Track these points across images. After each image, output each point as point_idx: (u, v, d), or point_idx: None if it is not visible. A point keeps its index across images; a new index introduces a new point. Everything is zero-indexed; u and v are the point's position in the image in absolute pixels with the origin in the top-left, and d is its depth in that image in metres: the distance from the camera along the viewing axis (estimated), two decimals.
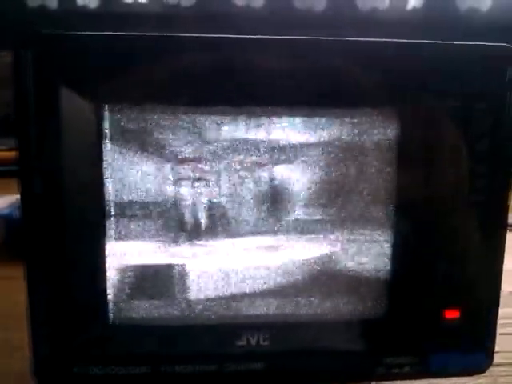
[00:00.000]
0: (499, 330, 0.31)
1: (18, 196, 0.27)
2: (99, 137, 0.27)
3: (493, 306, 0.30)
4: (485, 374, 0.31)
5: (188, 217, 0.28)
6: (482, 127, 0.28)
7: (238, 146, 0.28)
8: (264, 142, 0.28)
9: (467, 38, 0.28)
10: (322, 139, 0.28)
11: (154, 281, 0.29)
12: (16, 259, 0.29)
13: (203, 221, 0.29)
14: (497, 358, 0.31)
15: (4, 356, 0.36)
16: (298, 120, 0.28)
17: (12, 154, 0.27)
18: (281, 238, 0.29)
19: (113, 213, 0.28)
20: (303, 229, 0.29)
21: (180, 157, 0.28)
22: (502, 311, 0.31)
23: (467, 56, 0.28)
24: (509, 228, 0.30)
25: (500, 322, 0.31)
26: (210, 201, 0.28)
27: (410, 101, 0.28)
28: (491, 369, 0.31)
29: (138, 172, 0.28)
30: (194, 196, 0.28)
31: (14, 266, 0.29)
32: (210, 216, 0.28)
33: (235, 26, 0.25)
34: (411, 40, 0.27)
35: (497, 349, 0.31)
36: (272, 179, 0.29)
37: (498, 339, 0.31)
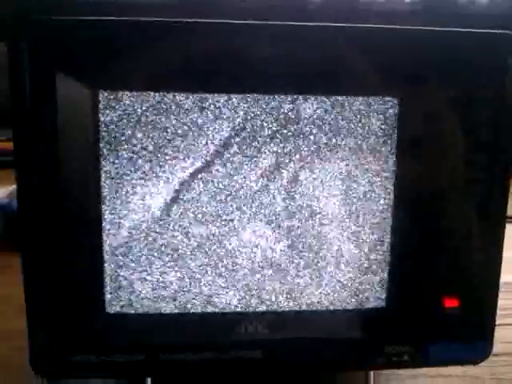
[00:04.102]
0: (498, 320, 0.31)
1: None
2: (96, 124, 0.27)
3: (492, 295, 0.30)
4: (484, 364, 0.31)
5: (186, 203, 0.28)
6: (482, 116, 0.28)
7: (237, 133, 0.28)
8: (263, 130, 0.28)
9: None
10: (320, 126, 0.28)
11: (151, 270, 0.29)
12: (15, 250, 0.29)
13: (202, 208, 0.28)
14: (496, 348, 0.31)
15: (2, 346, 0.37)
16: (298, 107, 0.28)
17: (11, 145, 0.27)
18: (279, 227, 0.29)
19: (109, 202, 0.28)
20: (301, 217, 0.29)
21: (176, 144, 0.28)
22: (501, 302, 0.31)
23: (468, 43, 0.27)
24: (508, 220, 0.30)
25: (499, 312, 0.31)
26: (206, 187, 0.28)
27: (409, 89, 0.28)
28: (490, 359, 0.31)
29: (134, 160, 0.27)
30: (191, 181, 0.28)
31: (13, 257, 0.29)
32: (208, 202, 0.28)
33: (234, 18, 0.25)
34: (412, 27, 0.27)
35: (496, 339, 0.31)
36: (271, 168, 0.28)
37: (497, 329, 0.31)
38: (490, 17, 0.29)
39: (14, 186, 0.28)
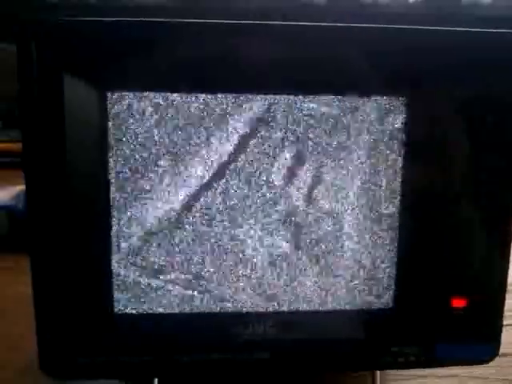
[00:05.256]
0: (506, 320, 0.31)
1: (21, 187, 0.27)
2: (103, 125, 0.27)
3: (499, 295, 0.30)
4: (491, 364, 0.31)
5: (196, 205, 0.28)
6: (490, 117, 0.28)
7: (248, 134, 0.28)
8: (269, 131, 0.28)
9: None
10: (328, 127, 0.28)
11: (159, 270, 0.29)
12: (20, 251, 0.29)
13: (211, 210, 0.28)
14: (503, 349, 0.31)
15: (6, 347, 0.36)
16: (303, 108, 0.28)
17: (14, 146, 0.27)
18: (288, 228, 0.29)
19: (118, 203, 0.28)
20: (310, 219, 0.29)
21: (187, 146, 0.27)
22: (509, 302, 0.31)
23: (477, 43, 0.27)
24: None
25: (507, 312, 0.31)
26: (218, 189, 0.28)
27: (417, 89, 0.28)
28: (498, 359, 0.31)
29: (144, 161, 0.27)
30: (203, 183, 0.28)
31: (18, 258, 0.29)
32: (219, 204, 0.28)
33: (243, 18, 0.25)
34: (419, 27, 0.27)
35: (503, 339, 0.31)
36: (282, 169, 0.28)
37: (505, 329, 0.31)
38: (494, 18, 0.29)
39: (20, 187, 0.28)
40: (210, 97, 0.27)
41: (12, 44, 0.26)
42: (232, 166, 0.28)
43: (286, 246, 0.29)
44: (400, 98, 0.28)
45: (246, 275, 0.29)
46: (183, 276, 0.29)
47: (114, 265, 0.28)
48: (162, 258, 0.29)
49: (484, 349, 0.31)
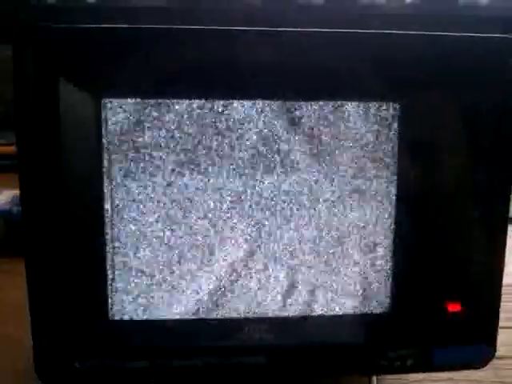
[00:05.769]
0: (502, 323, 0.31)
1: (17, 191, 0.27)
2: (98, 130, 0.27)
3: (495, 299, 0.30)
4: (487, 367, 0.31)
5: (191, 211, 0.28)
6: (483, 121, 0.28)
7: (243, 139, 0.28)
8: (265, 136, 0.28)
9: (467, 32, 0.27)
10: (322, 132, 0.28)
11: (154, 277, 0.29)
12: (16, 255, 0.29)
13: (207, 215, 0.28)
14: (499, 351, 0.31)
15: (3, 351, 0.36)
16: (297, 114, 0.28)
17: (11, 149, 0.27)
18: (283, 233, 0.29)
19: (113, 209, 0.28)
20: (305, 223, 0.29)
21: (180, 151, 0.27)
22: (505, 305, 0.31)
23: (470, 48, 0.27)
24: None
25: (502, 315, 0.31)
26: (214, 194, 0.28)
27: (411, 94, 0.28)
28: (493, 362, 0.31)
29: (138, 166, 0.27)
30: (193, 188, 0.28)
31: (15, 262, 0.29)
32: (214, 208, 0.28)
33: (234, 21, 0.25)
34: (413, 32, 0.27)
35: (499, 342, 0.31)
36: (274, 173, 0.28)
37: (501, 333, 0.31)
38: (491, 19, 0.29)
39: (15, 192, 0.28)
40: (205, 102, 0.27)
41: (9, 47, 0.26)
42: (227, 170, 0.28)
43: (282, 253, 0.29)
44: (394, 104, 0.28)
45: (242, 281, 0.29)
46: (178, 282, 0.29)
47: (109, 271, 0.28)
48: (157, 264, 0.29)
49: (480, 352, 0.31)
